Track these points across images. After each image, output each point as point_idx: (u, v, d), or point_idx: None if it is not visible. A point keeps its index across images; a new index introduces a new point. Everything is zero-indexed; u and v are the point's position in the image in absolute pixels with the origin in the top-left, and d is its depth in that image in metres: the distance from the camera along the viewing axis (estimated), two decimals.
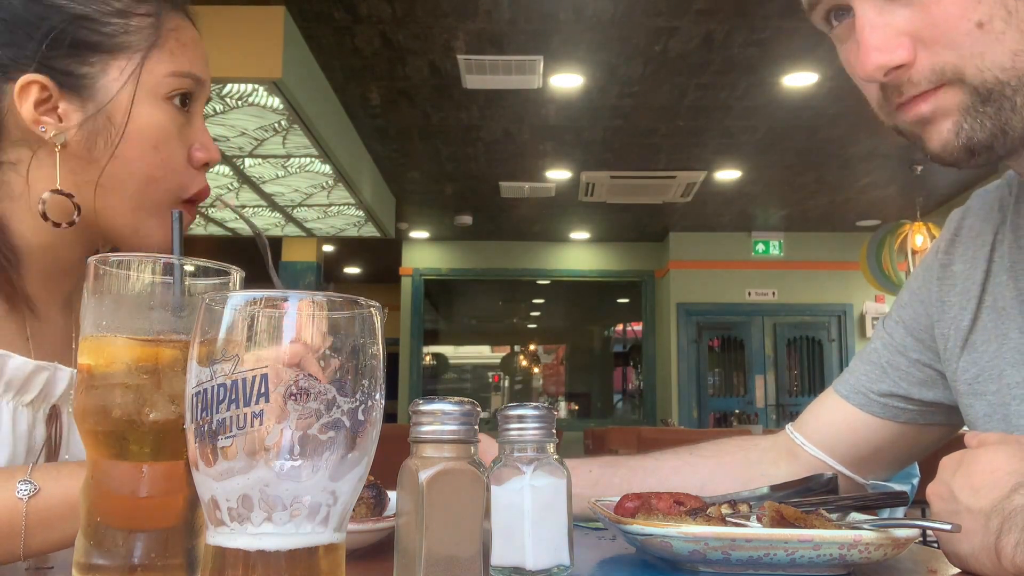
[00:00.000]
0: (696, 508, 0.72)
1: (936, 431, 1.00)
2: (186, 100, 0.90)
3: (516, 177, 7.28)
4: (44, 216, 0.84)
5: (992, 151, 0.73)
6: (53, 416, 0.87)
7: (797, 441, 1.04)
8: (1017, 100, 0.70)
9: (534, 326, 13.02)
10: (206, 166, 0.93)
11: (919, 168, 6.80)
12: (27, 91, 0.84)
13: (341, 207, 6.81)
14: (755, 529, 0.67)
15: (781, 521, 0.67)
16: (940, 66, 0.71)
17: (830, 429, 1.03)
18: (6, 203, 0.88)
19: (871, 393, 1.00)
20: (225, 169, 5.75)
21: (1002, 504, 0.63)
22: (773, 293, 9.23)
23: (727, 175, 7.12)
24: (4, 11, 0.85)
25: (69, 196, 0.85)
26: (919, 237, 6.65)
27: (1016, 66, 0.69)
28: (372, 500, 0.78)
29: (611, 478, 1.00)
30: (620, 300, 11.42)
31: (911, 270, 6.65)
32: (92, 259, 0.55)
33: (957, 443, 0.74)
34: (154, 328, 0.55)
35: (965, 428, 0.90)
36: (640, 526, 0.66)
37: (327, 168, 5.68)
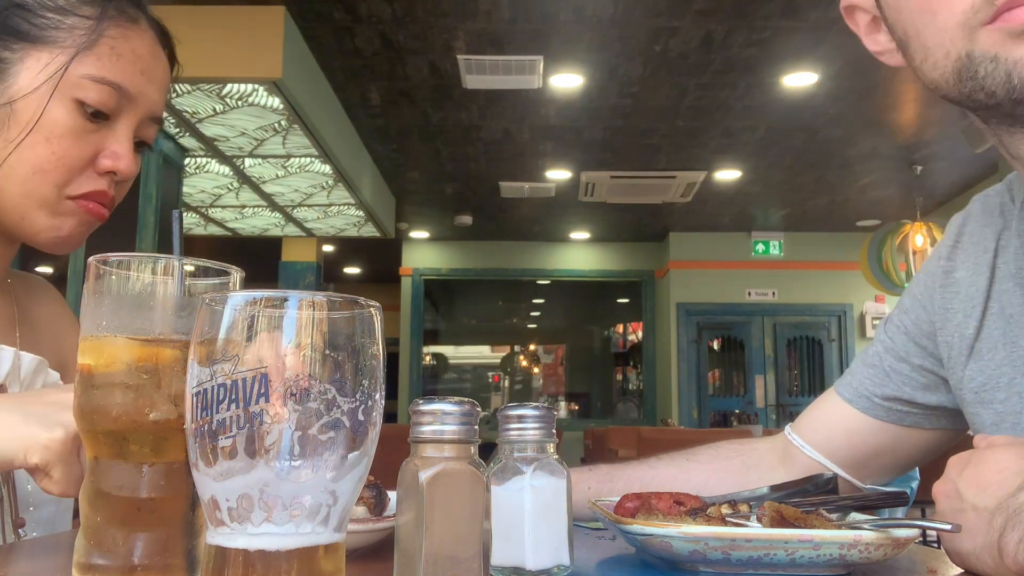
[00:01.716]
0: (696, 508, 0.72)
1: (939, 435, 1.00)
2: (99, 113, 0.89)
3: (516, 177, 7.28)
4: None
5: None
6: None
7: (795, 443, 1.04)
8: None
9: (534, 326, 13.02)
10: (111, 175, 0.92)
11: (919, 168, 6.80)
12: None
13: (341, 207, 6.81)
14: (755, 529, 0.67)
15: (781, 521, 0.67)
16: None
17: (830, 432, 1.02)
18: None
19: (874, 397, 1.00)
20: (225, 169, 5.75)
21: (1007, 502, 0.63)
22: (773, 293, 9.23)
23: (727, 175, 7.12)
24: None
25: None
26: (919, 237, 6.65)
27: None
28: (372, 500, 0.78)
29: (608, 493, 1.00)
30: (620, 300, 11.43)
31: (911, 270, 6.65)
32: (92, 259, 0.55)
33: (965, 444, 0.74)
34: (154, 328, 0.55)
35: (970, 433, 0.90)
36: (640, 526, 0.66)
37: (327, 168, 5.69)
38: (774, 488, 0.87)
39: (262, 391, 0.42)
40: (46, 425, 0.67)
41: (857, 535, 0.63)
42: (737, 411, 9.15)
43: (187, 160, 5.42)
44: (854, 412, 1.01)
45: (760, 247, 9.21)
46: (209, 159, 5.54)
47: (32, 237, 0.91)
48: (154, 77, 0.94)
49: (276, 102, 4.51)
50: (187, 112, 4.66)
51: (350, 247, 9.82)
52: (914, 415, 0.98)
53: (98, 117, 0.89)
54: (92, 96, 0.88)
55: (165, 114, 4.90)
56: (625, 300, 11.14)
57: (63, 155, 0.88)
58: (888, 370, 0.99)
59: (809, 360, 9.37)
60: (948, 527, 0.63)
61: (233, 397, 0.43)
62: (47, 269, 10.57)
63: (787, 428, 1.07)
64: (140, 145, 0.95)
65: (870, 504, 0.79)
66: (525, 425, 0.63)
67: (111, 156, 0.91)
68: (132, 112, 0.92)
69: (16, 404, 0.71)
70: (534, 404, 0.64)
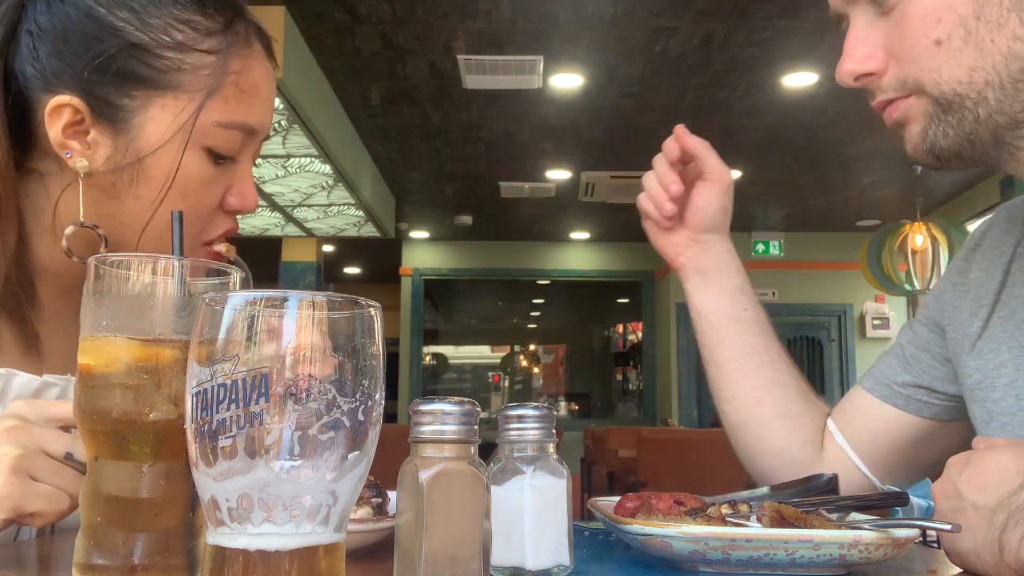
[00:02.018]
0: (696, 508, 0.72)
1: (958, 429, 1.00)
2: (222, 156, 0.84)
3: (516, 177, 7.28)
4: (68, 253, 0.81)
5: (961, 158, 0.79)
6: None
7: (831, 428, 1.05)
8: (979, 112, 0.75)
9: (534, 326, 13.03)
10: (239, 211, 0.89)
11: (919, 168, 6.79)
12: (59, 112, 0.79)
13: (341, 207, 6.81)
14: (755, 529, 0.67)
15: (781, 521, 0.67)
16: (903, 77, 0.78)
17: (856, 422, 1.04)
18: (30, 219, 0.84)
19: (894, 384, 1.01)
20: None
21: (1008, 500, 0.63)
22: (773, 293, 9.23)
23: None
24: (60, 22, 0.80)
25: (94, 227, 0.81)
26: (919, 237, 6.64)
27: (973, 81, 0.74)
28: (372, 500, 0.78)
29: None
30: (620, 300, 11.43)
31: (911, 270, 6.65)
32: (92, 259, 0.55)
33: (966, 446, 0.75)
34: (154, 328, 0.55)
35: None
36: (640, 526, 0.66)
37: (327, 168, 5.69)
38: (774, 488, 0.87)
39: (262, 391, 0.42)
40: None
41: (857, 535, 0.63)
42: None
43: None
44: (874, 400, 1.02)
45: (760, 247, 9.20)
46: None
47: None
48: (270, 102, 0.90)
49: (276, 102, 4.51)
50: None
51: (350, 247, 9.81)
52: (934, 405, 0.99)
53: (224, 159, 0.85)
54: (222, 143, 0.83)
55: None
56: (625, 300, 11.14)
57: (197, 206, 0.84)
58: (908, 359, 1.01)
59: (809, 360, 9.36)
60: (948, 527, 0.63)
61: (233, 397, 0.43)
62: None
63: (828, 417, 1.08)
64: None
65: (870, 504, 0.79)
66: (525, 425, 0.63)
67: (238, 196, 0.87)
68: (252, 145, 0.88)
69: None
70: (534, 404, 0.64)
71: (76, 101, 0.79)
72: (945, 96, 0.76)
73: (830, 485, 0.84)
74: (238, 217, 0.91)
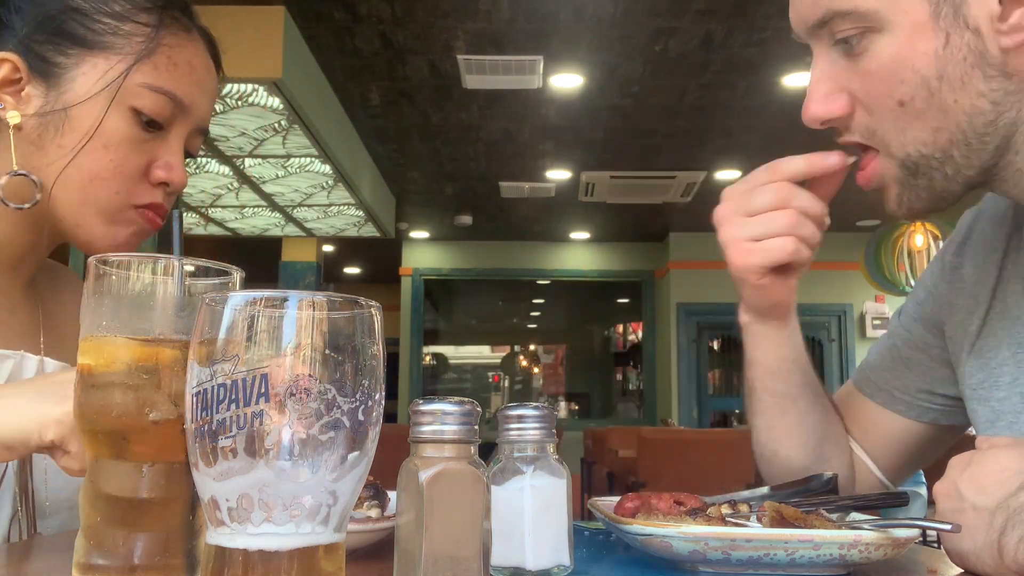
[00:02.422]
0: (696, 508, 0.72)
1: (954, 434, 1.00)
2: (153, 123, 0.88)
3: (516, 177, 7.28)
4: (3, 201, 0.84)
5: (939, 210, 0.79)
6: None
7: (853, 447, 1.03)
8: (947, 170, 0.75)
9: (534, 326, 13.02)
10: (165, 186, 0.91)
11: None
12: None
13: (341, 207, 6.81)
14: (755, 529, 0.67)
15: (781, 521, 0.67)
16: (871, 128, 0.77)
17: (867, 432, 1.02)
18: None
19: (895, 390, 1.00)
20: (225, 169, 5.75)
21: (1007, 502, 0.63)
22: None
23: (727, 175, 7.12)
24: None
25: (27, 175, 0.85)
26: (919, 237, 6.65)
27: (937, 141, 0.74)
28: (371, 500, 0.78)
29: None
30: (620, 300, 11.43)
31: (911, 270, 6.65)
32: (92, 259, 0.55)
33: (966, 445, 0.74)
34: (154, 328, 0.55)
35: (970, 431, 0.90)
36: (640, 526, 0.66)
37: (327, 168, 5.68)
38: (774, 488, 0.87)
39: (262, 391, 0.42)
40: (56, 400, 0.66)
41: (857, 535, 0.63)
42: (737, 411, 9.15)
43: (187, 160, 5.41)
44: (875, 406, 1.01)
45: None
46: (209, 159, 5.54)
47: (86, 244, 0.90)
48: (206, 88, 0.93)
49: (276, 102, 4.51)
50: None
51: (350, 247, 9.81)
52: (932, 410, 0.98)
53: (152, 127, 0.88)
54: (149, 105, 0.87)
55: None
56: (625, 300, 11.14)
57: (120, 163, 0.87)
58: (907, 360, 0.99)
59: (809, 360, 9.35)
60: (948, 527, 0.63)
61: (233, 397, 0.43)
62: None
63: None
64: (185, 156, 0.94)
65: (870, 504, 0.80)
66: (525, 425, 0.63)
67: (164, 167, 0.90)
68: (184, 123, 0.91)
69: (24, 386, 0.71)
70: (534, 404, 0.64)
71: (15, 58, 0.84)
72: (911, 159, 0.75)
73: (830, 485, 0.84)
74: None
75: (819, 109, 0.79)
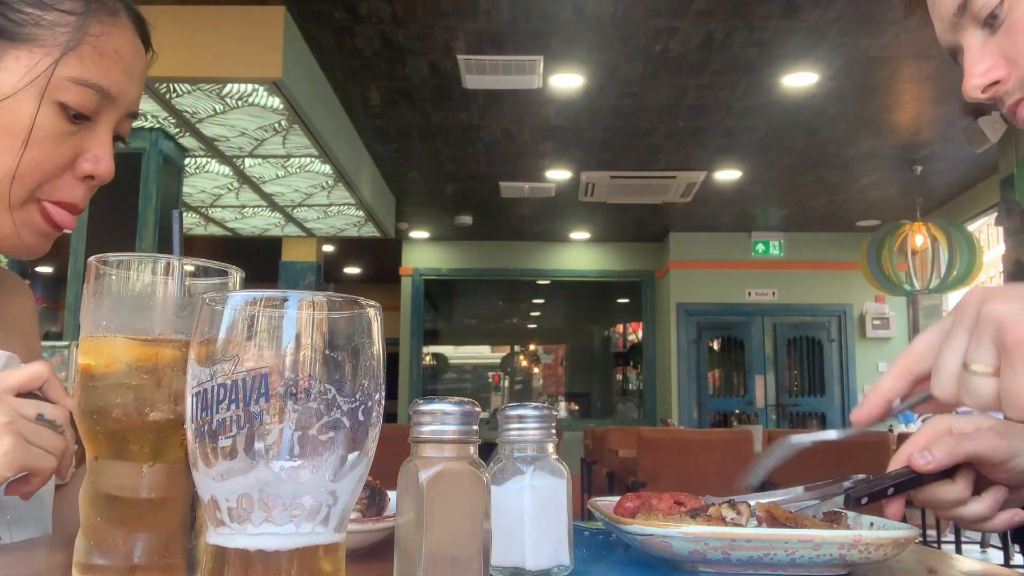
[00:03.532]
0: (696, 508, 0.72)
1: None
2: (80, 115, 0.84)
3: (516, 177, 7.28)
4: None
5: None
6: None
7: None
8: None
9: (534, 326, 13.02)
10: (91, 179, 0.88)
11: (919, 168, 6.80)
12: None
13: (341, 207, 6.81)
14: (755, 529, 0.67)
15: (772, 521, 0.68)
16: None
17: None
18: None
19: None
20: (225, 169, 5.75)
21: None
22: (773, 293, 9.23)
23: (727, 175, 7.12)
24: None
25: None
26: (919, 237, 6.64)
27: None
28: (366, 500, 0.78)
29: None
30: (620, 300, 11.43)
31: (911, 271, 6.65)
32: (92, 259, 0.55)
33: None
34: (154, 328, 0.55)
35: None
36: (640, 526, 0.66)
37: (327, 168, 5.69)
38: (808, 488, 0.86)
39: (262, 391, 0.42)
40: None
41: (857, 535, 0.63)
42: (737, 411, 9.15)
43: (187, 160, 5.42)
44: None
45: (760, 247, 9.21)
46: (209, 159, 5.54)
47: None
48: (134, 74, 0.89)
49: (276, 102, 4.51)
50: (187, 112, 4.66)
51: (350, 247, 9.82)
52: None
53: (79, 119, 0.85)
54: (75, 99, 0.83)
55: (166, 114, 4.86)
56: (625, 300, 11.14)
57: (42, 160, 0.83)
58: None
59: (809, 360, 9.37)
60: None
61: (233, 397, 0.43)
62: (47, 268, 10.57)
63: None
64: (115, 139, 0.91)
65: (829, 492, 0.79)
66: (525, 425, 0.63)
67: (91, 160, 0.87)
68: (112, 112, 0.88)
69: None
70: (534, 404, 0.64)
71: None
72: None
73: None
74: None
75: (978, 79, 0.82)
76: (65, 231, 0.90)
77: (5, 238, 0.86)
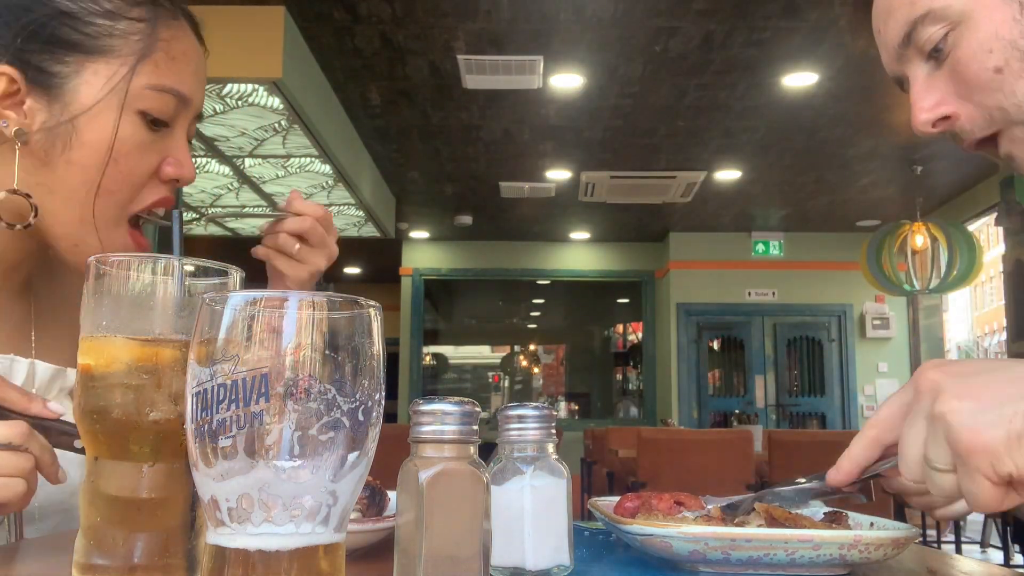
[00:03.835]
0: (696, 508, 0.72)
1: None
2: (159, 121, 0.85)
3: (516, 177, 7.28)
4: None
5: None
6: None
7: None
8: None
9: (534, 326, 13.02)
10: (176, 182, 0.89)
11: (919, 168, 6.80)
12: None
13: (341, 207, 6.81)
14: (755, 529, 0.67)
15: (772, 522, 0.68)
16: (986, 112, 0.78)
17: None
18: None
19: None
20: (225, 169, 5.75)
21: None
22: (773, 293, 9.23)
23: (727, 175, 7.12)
24: None
25: (27, 196, 0.81)
26: (919, 237, 6.64)
27: None
28: (365, 500, 0.78)
29: None
30: (620, 300, 11.43)
31: (911, 271, 6.65)
32: (92, 259, 0.55)
33: None
34: (154, 328, 0.55)
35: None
36: (640, 526, 0.66)
37: (327, 168, 5.69)
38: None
39: (262, 391, 0.42)
40: None
41: (857, 535, 0.63)
42: (737, 411, 9.15)
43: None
44: None
45: (760, 247, 9.21)
46: (209, 159, 5.54)
47: (75, 261, 0.85)
48: (200, 75, 0.90)
49: (276, 102, 4.51)
50: None
51: (350, 247, 9.81)
52: None
53: (158, 126, 0.85)
54: (155, 106, 0.84)
55: None
56: (625, 300, 11.14)
57: (130, 172, 0.84)
58: None
59: (809, 360, 9.37)
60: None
61: (233, 397, 0.43)
62: None
63: None
64: None
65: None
66: (525, 425, 0.63)
67: (175, 164, 0.87)
68: (186, 115, 0.88)
69: None
70: (534, 404, 0.64)
71: (10, 70, 0.80)
72: None
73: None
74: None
75: (926, 114, 0.81)
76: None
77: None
